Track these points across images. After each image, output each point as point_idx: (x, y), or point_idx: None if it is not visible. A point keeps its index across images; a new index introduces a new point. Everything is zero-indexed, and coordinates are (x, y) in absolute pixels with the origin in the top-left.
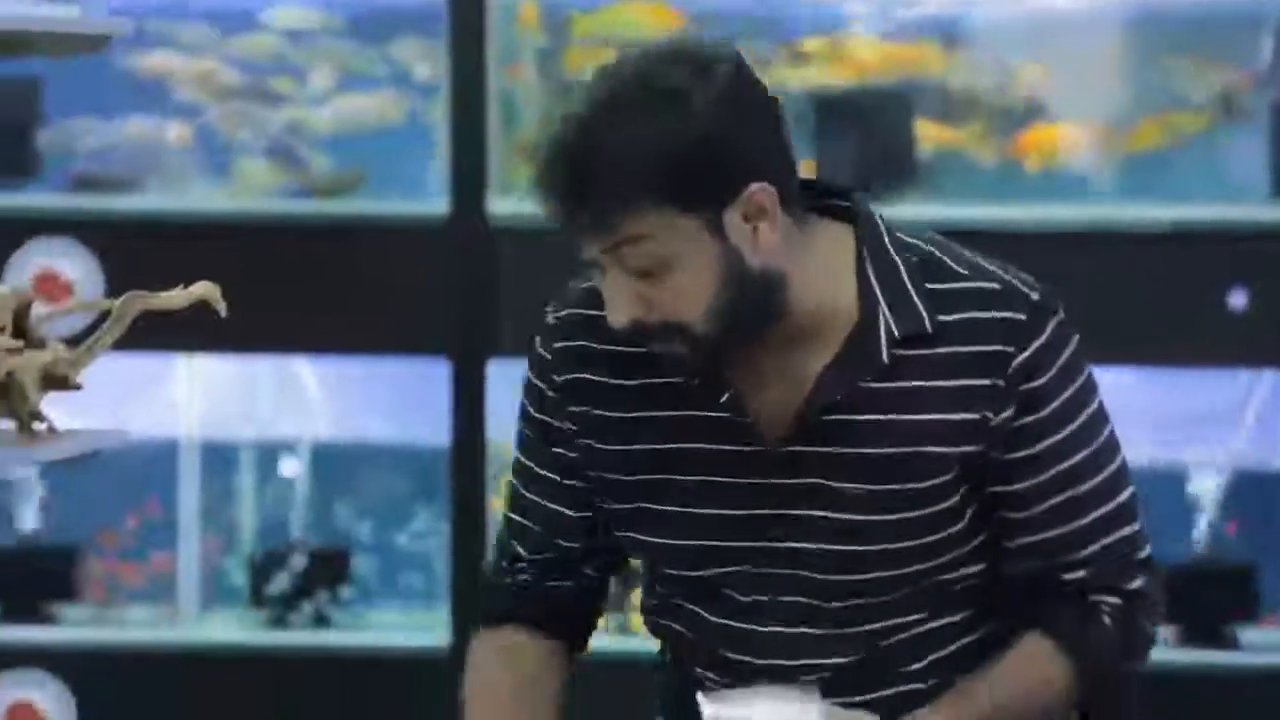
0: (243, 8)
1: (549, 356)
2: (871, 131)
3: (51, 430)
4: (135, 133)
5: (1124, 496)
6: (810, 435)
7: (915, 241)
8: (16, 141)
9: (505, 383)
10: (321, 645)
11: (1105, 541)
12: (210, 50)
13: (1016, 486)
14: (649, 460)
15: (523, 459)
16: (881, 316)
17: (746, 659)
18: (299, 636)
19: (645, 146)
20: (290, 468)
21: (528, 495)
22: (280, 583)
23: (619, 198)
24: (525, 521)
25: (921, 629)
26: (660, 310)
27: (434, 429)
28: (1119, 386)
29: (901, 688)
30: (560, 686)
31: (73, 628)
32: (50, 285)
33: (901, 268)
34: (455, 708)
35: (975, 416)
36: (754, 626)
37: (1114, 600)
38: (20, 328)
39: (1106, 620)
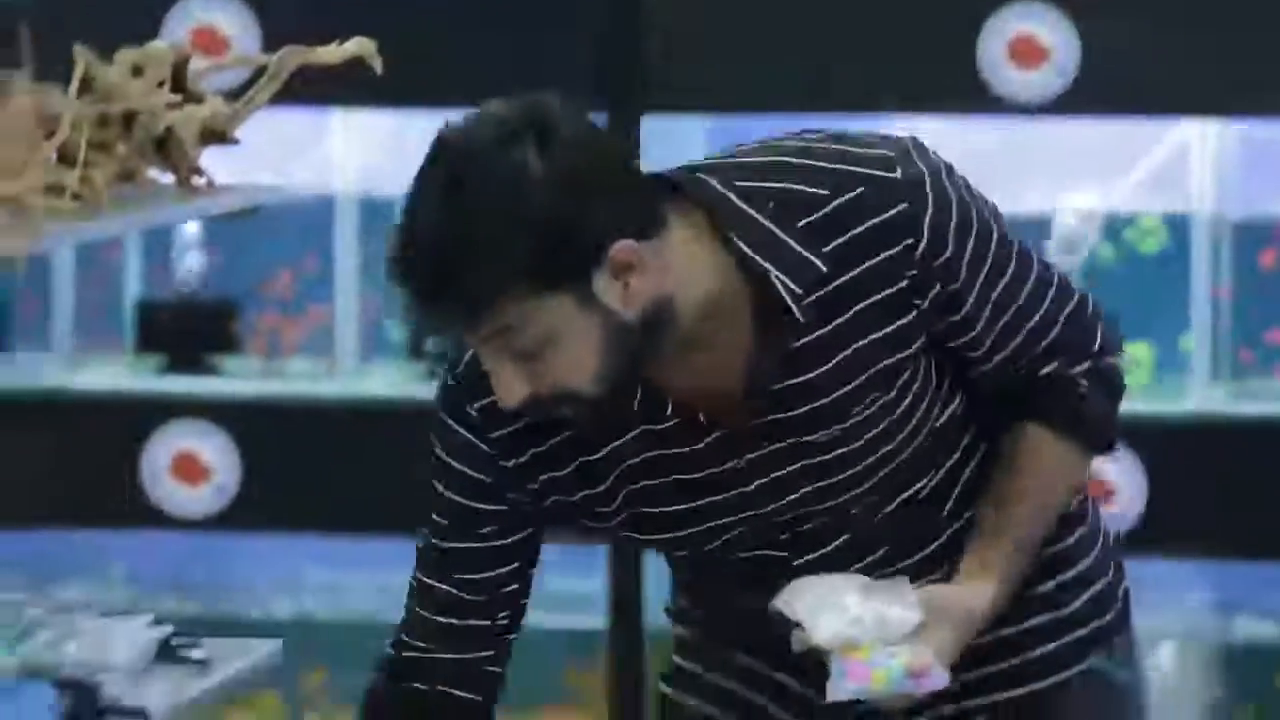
0: None
1: (486, 447)
2: None
3: (210, 185)
4: None
5: (1055, 283)
6: (765, 409)
7: (760, 184)
8: None
9: (655, 138)
10: None
11: (1057, 329)
12: None
13: (966, 336)
14: (626, 484)
15: (433, 539)
16: (776, 282)
17: (756, 606)
18: None
19: (497, 239)
20: None
21: (434, 581)
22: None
23: (478, 296)
24: (425, 612)
25: (932, 483)
26: (549, 381)
27: None
28: None
29: (930, 548)
30: None
31: (235, 379)
32: (207, 40)
33: (765, 222)
34: None
35: (909, 317)
36: (781, 572)
37: (1084, 367)
38: (178, 83)
39: (1085, 387)
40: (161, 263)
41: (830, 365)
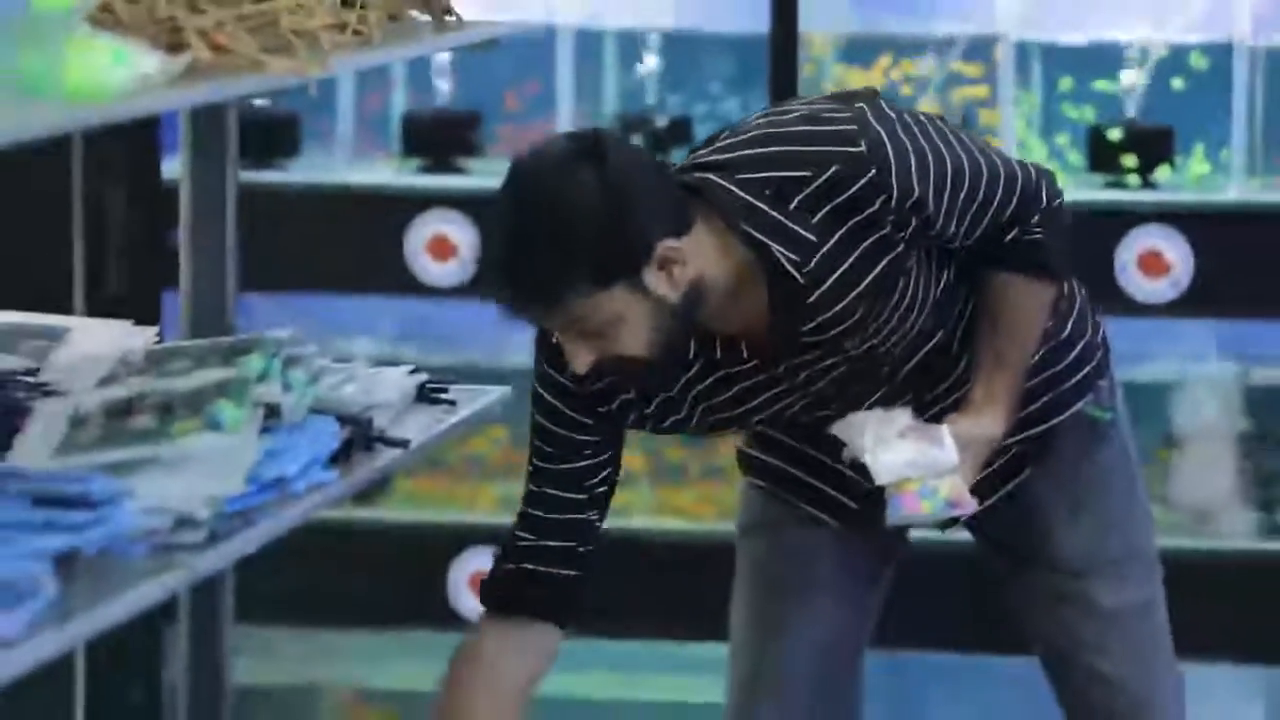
0: None
1: (570, 383)
2: None
3: (459, 21)
4: None
5: (1001, 172)
6: (795, 350)
7: (756, 175)
8: None
9: None
10: None
11: (1012, 207)
12: None
13: (943, 238)
14: (700, 404)
15: (538, 461)
16: (780, 256)
17: (808, 446)
18: None
19: (562, 250)
20: (643, 52)
21: (543, 490)
22: (641, 141)
23: (549, 297)
24: (537, 512)
25: (941, 336)
26: (612, 352)
27: (757, 21)
28: None
29: (944, 384)
30: (530, 683)
31: (477, 176)
32: None
33: (765, 208)
34: None
35: (897, 250)
36: (817, 419)
37: (1036, 219)
38: None
39: (1040, 234)
40: (422, 84)
41: (841, 305)
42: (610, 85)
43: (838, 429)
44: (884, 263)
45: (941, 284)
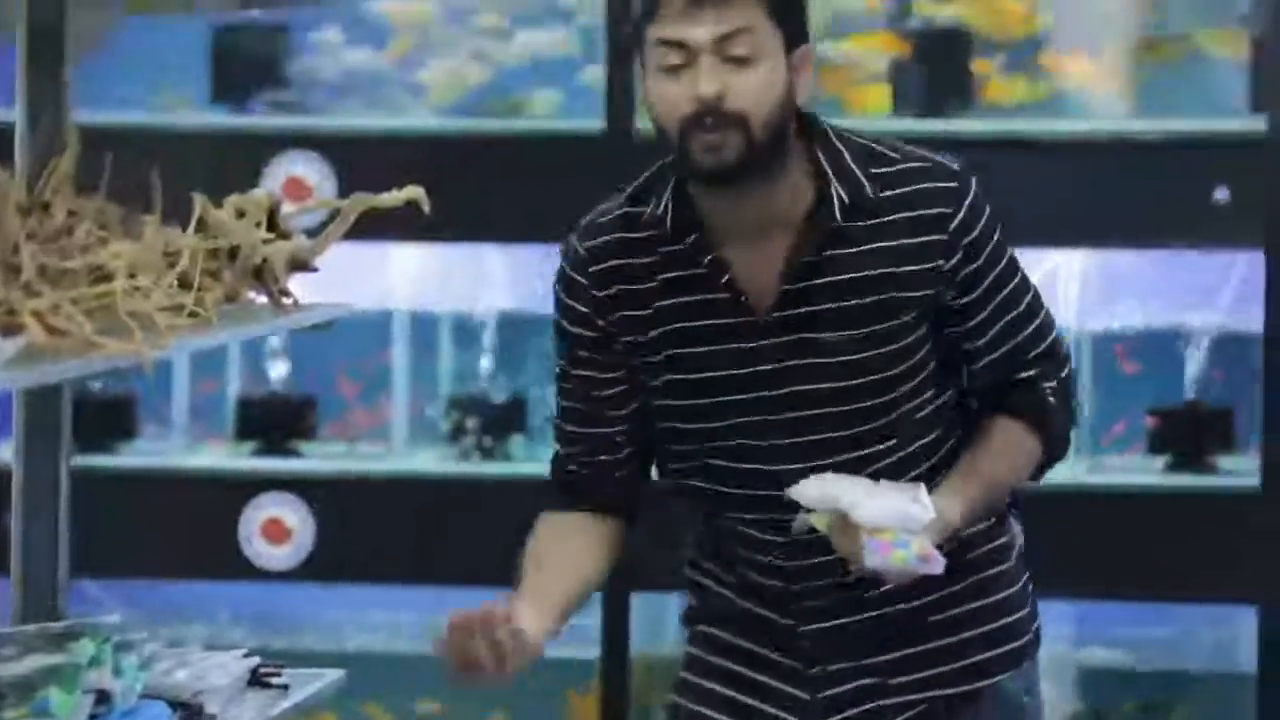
0: None
1: (584, 280)
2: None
3: (295, 304)
4: (361, 62)
5: (1045, 310)
6: (793, 300)
7: (858, 139)
8: (272, 74)
9: None
10: (503, 473)
11: (1043, 345)
12: None
13: (972, 321)
14: (671, 339)
15: (569, 371)
16: (833, 189)
17: (760, 492)
18: (485, 467)
19: None
20: (478, 334)
21: (575, 390)
22: (470, 424)
23: None
24: (575, 427)
25: (901, 454)
26: (735, 99)
27: None
28: (1132, 264)
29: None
30: (604, 549)
31: (311, 460)
32: (295, 189)
33: (845, 154)
34: None
35: (929, 265)
36: (764, 466)
37: (1052, 384)
38: (273, 223)
39: (1052, 399)
40: (258, 366)
41: (854, 276)
42: (446, 367)
43: (801, 486)
44: (912, 268)
45: (932, 401)
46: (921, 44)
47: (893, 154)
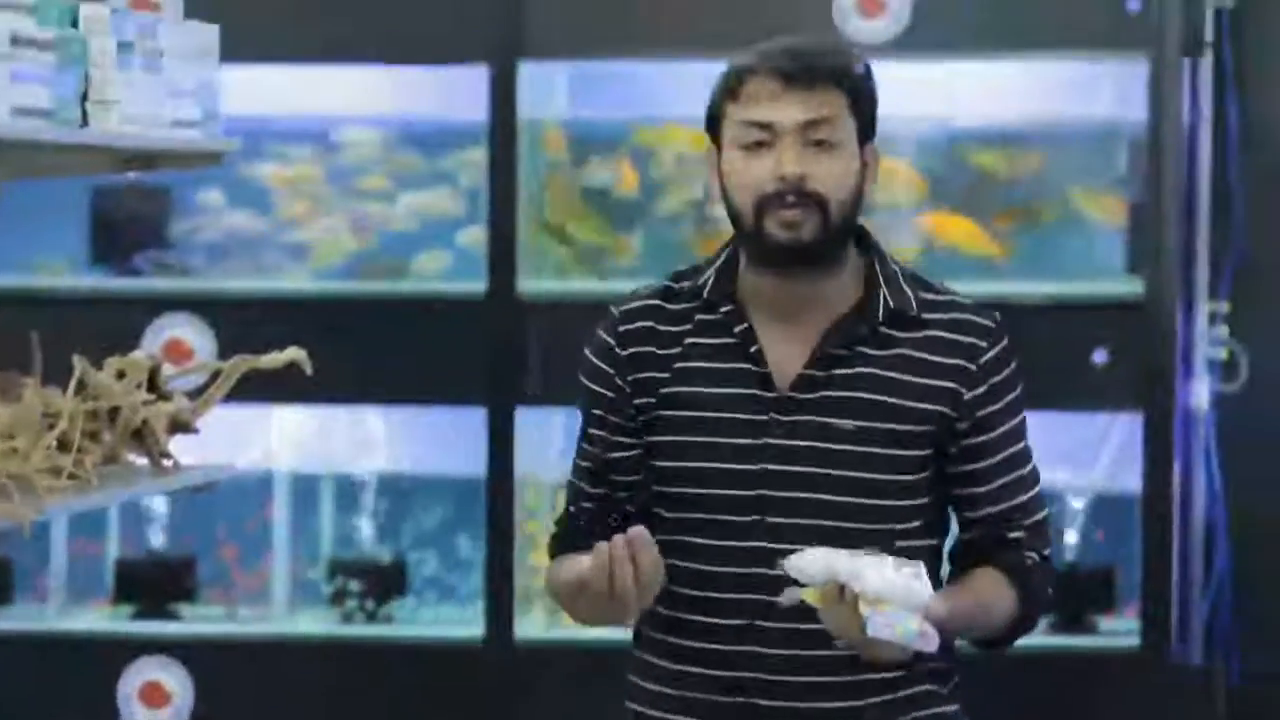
0: (320, 129)
1: (612, 341)
2: None
3: (176, 466)
4: (242, 225)
5: (1040, 488)
6: (814, 384)
7: (907, 269)
8: (153, 236)
9: (530, 426)
10: (384, 636)
11: (1036, 516)
12: (298, 160)
13: (979, 465)
14: (687, 400)
15: (587, 429)
16: (880, 294)
17: (730, 570)
18: (367, 629)
19: (860, 63)
20: (360, 495)
21: (589, 450)
22: (352, 587)
23: (841, 77)
24: (586, 485)
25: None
26: (816, 181)
27: (473, 463)
28: None
29: None
30: None
31: (191, 623)
32: (176, 351)
33: (899, 273)
34: (490, 687)
35: (951, 386)
36: (742, 543)
37: (1036, 558)
38: (153, 384)
39: (1034, 572)
40: (137, 528)
41: (878, 373)
42: (327, 529)
43: (796, 559)
44: (934, 382)
45: (917, 530)
46: None
47: (940, 287)
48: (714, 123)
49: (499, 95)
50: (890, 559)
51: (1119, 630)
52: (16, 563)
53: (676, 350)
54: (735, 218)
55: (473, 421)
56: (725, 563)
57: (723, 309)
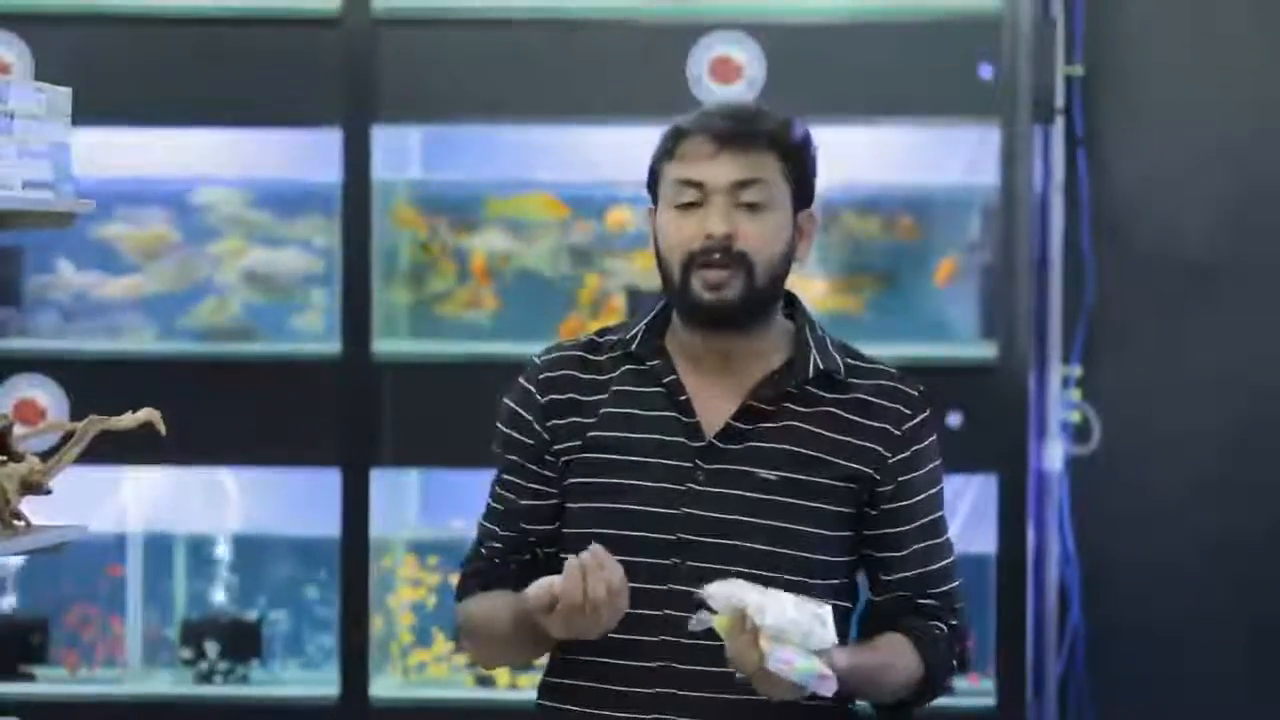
0: (173, 191)
1: (532, 388)
2: None
3: (28, 526)
4: (95, 286)
5: (955, 561)
6: (739, 436)
7: (837, 338)
8: (3, 296)
9: (383, 486)
10: (239, 696)
11: (947, 585)
12: (151, 221)
13: (896, 529)
14: (611, 443)
15: (502, 474)
16: (811, 354)
17: (647, 612)
18: (222, 690)
19: (798, 129)
20: (215, 555)
21: (504, 494)
22: (207, 647)
23: (776, 140)
24: (496, 527)
25: None
26: (743, 241)
27: (327, 524)
28: None
29: None
30: None
31: (43, 684)
32: (28, 411)
33: (827, 339)
34: None
35: (875, 448)
36: (658, 586)
37: (943, 629)
38: (4, 445)
39: (940, 640)
40: None
41: (805, 429)
42: (180, 588)
43: (713, 586)
44: (860, 443)
45: (836, 588)
46: None
47: (868, 357)
48: (653, 181)
49: (352, 157)
50: (800, 599)
51: (975, 691)
52: None
53: (602, 396)
54: (665, 275)
55: (327, 482)
56: (642, 605)
57: (650, 361)
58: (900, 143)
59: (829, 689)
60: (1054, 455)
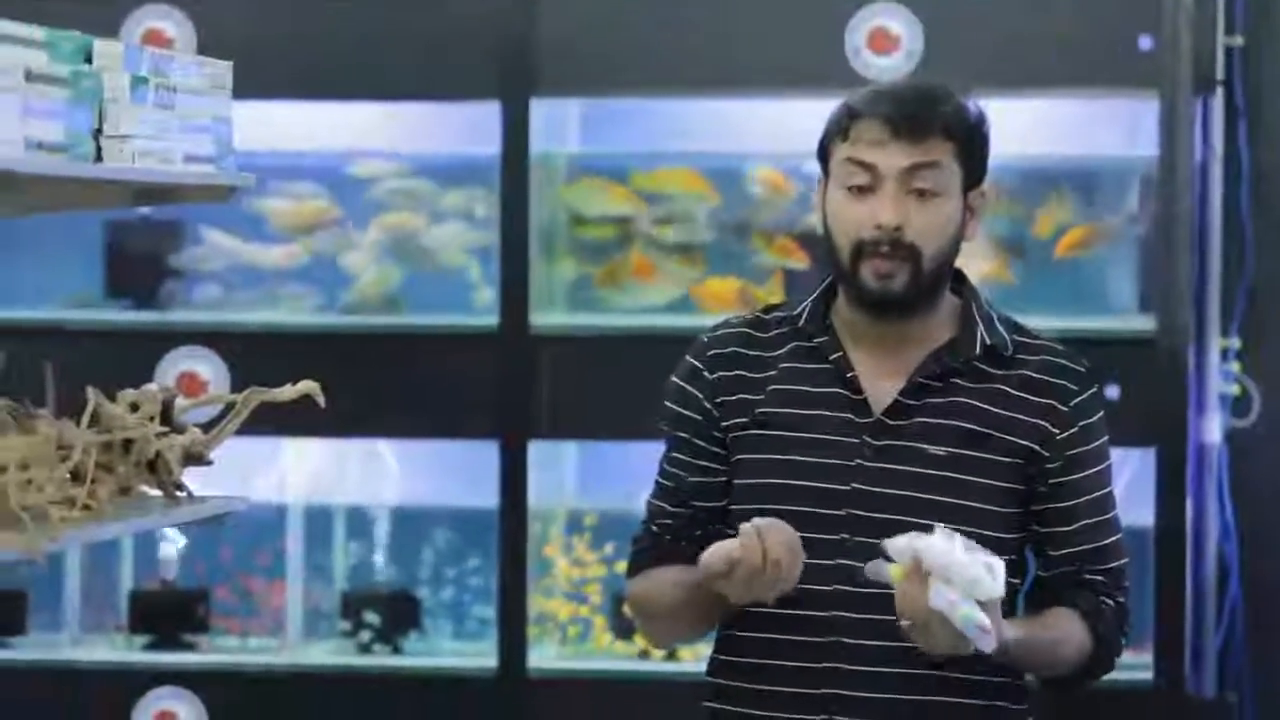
0: (333, 163)
1: (700, 365)
2: None
3: (191, 497)
4: (256, 258)
5: (1121, 536)
6: (907, 411)
7: (1004, 313)
8: (165, 269)
9: (541, 459)
10: (397, 667)
11: (1114, 562)
12: (309, 196)
13: (1064, 504)
14: (781, 420)
15: (671, 452)
16: (978, 331)
17: (816, 587)
18: (380, 660)
19: (972, 111)
20: (374, 526)
21: (673, 471)
22: (367, 618)
23: (948, 125)
24: (667, 487)
25: None
26: (913, 232)
27: (485, 495)
28: None
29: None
30: None
31: (205, 654)
32: (190, 383)
33: (994, 315)
34: (503, 718)
35: (1043, 424)
36: (827, 561)
37: (1112, 604)
38: (167, 417)
39: (1109, 615)
40: (151, 559)
41: (973, 405)
42: (340, 560)
43: (896, 538)
44: (1026, 418)
45: (1007, 567)
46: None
47: (1035, 333)
48: (824, 155)
49: (511, 130)
50: (974, 547)
51: (1133, 664)
52: (31, 594)
53: (770, 373)
54: (834, 255)
55: (485, 454)
56: (811, 580)
57: (818, 338)
58: (1059, 114)
59: (989, 645)
60: (1213, 428)
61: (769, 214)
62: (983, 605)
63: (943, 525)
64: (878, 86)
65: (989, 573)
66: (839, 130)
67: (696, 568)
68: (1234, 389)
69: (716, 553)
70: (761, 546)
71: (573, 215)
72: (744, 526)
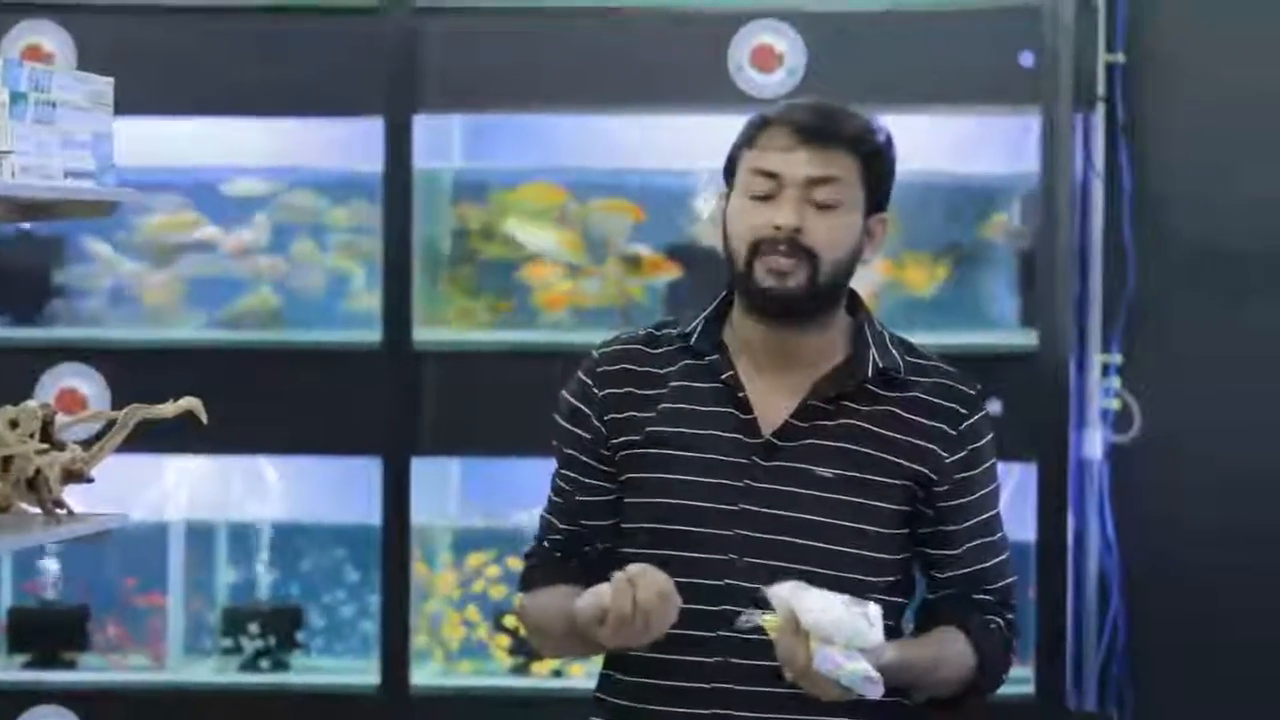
0: (210, 179)
1: (590, 381)
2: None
3: (70, 514)
4: (136, 274)
5: (1008, 556)
6: (797, 433)
7: (896, 334)
8: (45, 286)
9: (423, 475)
10: (280, 684)
11: (1001, 584)
12: (187, 211)
13: (951, 528)
14: (670, 439)
15: (561, 468)
16: (870, 353)
17: (701, 607)
18: (262, 678)
19: (880, 133)
20: (257, 543)
21: (562, 488)
22: (250, 635)
23: (855, 142)
24: (558, 503)
25: None
26: (811, 235)
27: (367, 512)
28: None
29: None
30: None
31: (85, 672)
32: (70, 400)
33: (886, 336)
34: None
35: (932, 448)
36: (715, 581)
37: (1000, 623)
38: (46, 434)
39: (995, 634)
40: (29, 577)
41: (863, 428)
42: (221, 577)
43: (776, 587)
44: (917, 441)
45: (887, 585)
46: None
47: (927, 354)
48: (730, 167)
49: (394, 146)
50: (851, 600)
51: (1015, 678)
52: None
53: (661, 391)
54: (730, 260)
55: (368, 471)
56: (700, 600)
57: (709, 356)
58: (940, 131)
59: (876, 692)
60: (1094, 443)
61: (629, 233)
62: (865, 652)
63: (823, 590)
64: (792, 100)
65: (867, 623)
66: (747, 139)
67: (574, 608)
68: (1115, 404)
69: (589, 599)
70: (633, 594)
71: (485, 232)
72: (616, 575)
